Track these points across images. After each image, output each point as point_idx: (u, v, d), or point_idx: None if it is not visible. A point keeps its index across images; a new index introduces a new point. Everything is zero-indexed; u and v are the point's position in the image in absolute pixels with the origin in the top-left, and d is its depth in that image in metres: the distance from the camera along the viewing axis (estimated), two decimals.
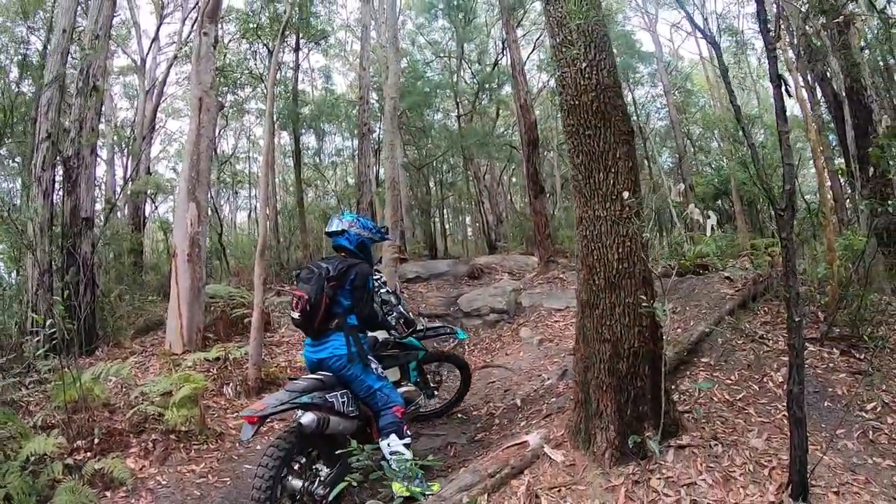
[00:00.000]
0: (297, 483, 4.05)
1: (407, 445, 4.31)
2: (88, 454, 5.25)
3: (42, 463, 4.98)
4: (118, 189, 17.37)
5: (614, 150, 3.98)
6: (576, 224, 4.18)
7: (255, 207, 24.84)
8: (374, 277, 5.01)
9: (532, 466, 3.92)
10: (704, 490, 3.47)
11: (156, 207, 19.42)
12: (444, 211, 24.69)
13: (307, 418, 4.07)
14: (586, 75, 4.07)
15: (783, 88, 3.27)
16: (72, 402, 5.75)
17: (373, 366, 4.55)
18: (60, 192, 9.71)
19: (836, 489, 3.50)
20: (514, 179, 26.28)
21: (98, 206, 14.51)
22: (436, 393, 6.04)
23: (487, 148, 19.92)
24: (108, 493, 4.84)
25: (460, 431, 5.80)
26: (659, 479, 3.54)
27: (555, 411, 5.10)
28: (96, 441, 5.36)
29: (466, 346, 9.23)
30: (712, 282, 7.90)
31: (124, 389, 6.65)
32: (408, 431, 4.46)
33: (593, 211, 3.96)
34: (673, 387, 4.82)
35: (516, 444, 4.14)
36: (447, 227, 26.34)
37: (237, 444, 5.72)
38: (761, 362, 5.21)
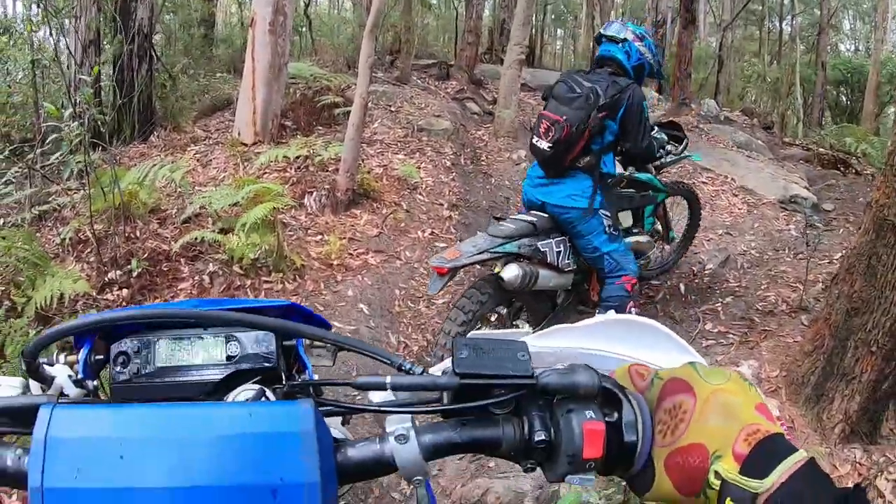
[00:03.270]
0: None
1: None
2: (124, 292, 3.80)
3: (60, 310, 3.55)
4: None
5: None
6: None
7: None
8: None
9: None
10: None
11: None
12: (546, 18, 21.72)
13: (510, 272, 3.31)
14: None
15: None
16: (110, 209, 4.28)
17: (605, 222, 3.54)
18: None
19: None
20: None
21: None
22: (675, 235, 4.71)
23: None
24: None
25: None
26: (887, 480, 2.81)
27: (757, 332, 3.97)
28: (135, 274, 3.86)
29: None
30: None
31: (179, 190, 5.11)
32: (633, 308, 3.59)
33: None
34: None
35: None
36: (545, 36, 23.39)
37: (321, 284, 4.15)
38: None
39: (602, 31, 3.73)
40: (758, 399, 0.58)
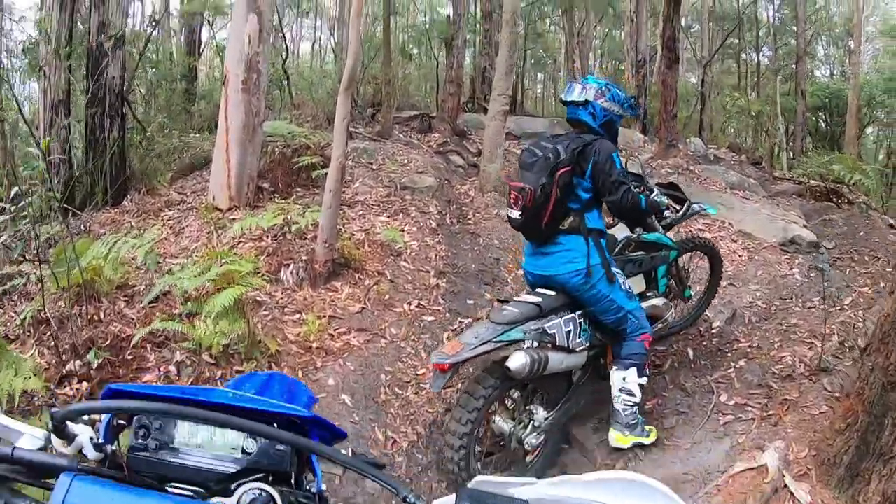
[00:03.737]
0: (505, 425, 3.34)
1: (642, 387, 3.43)
2: (83, 385, 3.48)
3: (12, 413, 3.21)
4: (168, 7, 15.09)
5: None
6: None
7: (321, 38, 22.52)
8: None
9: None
10: None
11: (213, 35, 16.97)
12: (526, 63, 22.02)
13: (517, 361, 3.09)
14: None
15: None
16: (73, 287, 3.99)
17: (619, 279, 3.41)
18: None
19: None
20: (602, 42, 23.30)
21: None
22: (691, 293, 4.52)
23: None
24: None
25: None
26: None
27: (778, 402, 3.65)
28: (94, 365, 3.54)
29: None
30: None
31: (147, 264, 4.79)
32: (648, 370, 3.52)
33: None
34: None
35: (751, 469, 3.12)
36: (526, 82, 23.72)
37: (299, 373, 3.80)
38: None
39: (563, 97, 3.62)
40: None
